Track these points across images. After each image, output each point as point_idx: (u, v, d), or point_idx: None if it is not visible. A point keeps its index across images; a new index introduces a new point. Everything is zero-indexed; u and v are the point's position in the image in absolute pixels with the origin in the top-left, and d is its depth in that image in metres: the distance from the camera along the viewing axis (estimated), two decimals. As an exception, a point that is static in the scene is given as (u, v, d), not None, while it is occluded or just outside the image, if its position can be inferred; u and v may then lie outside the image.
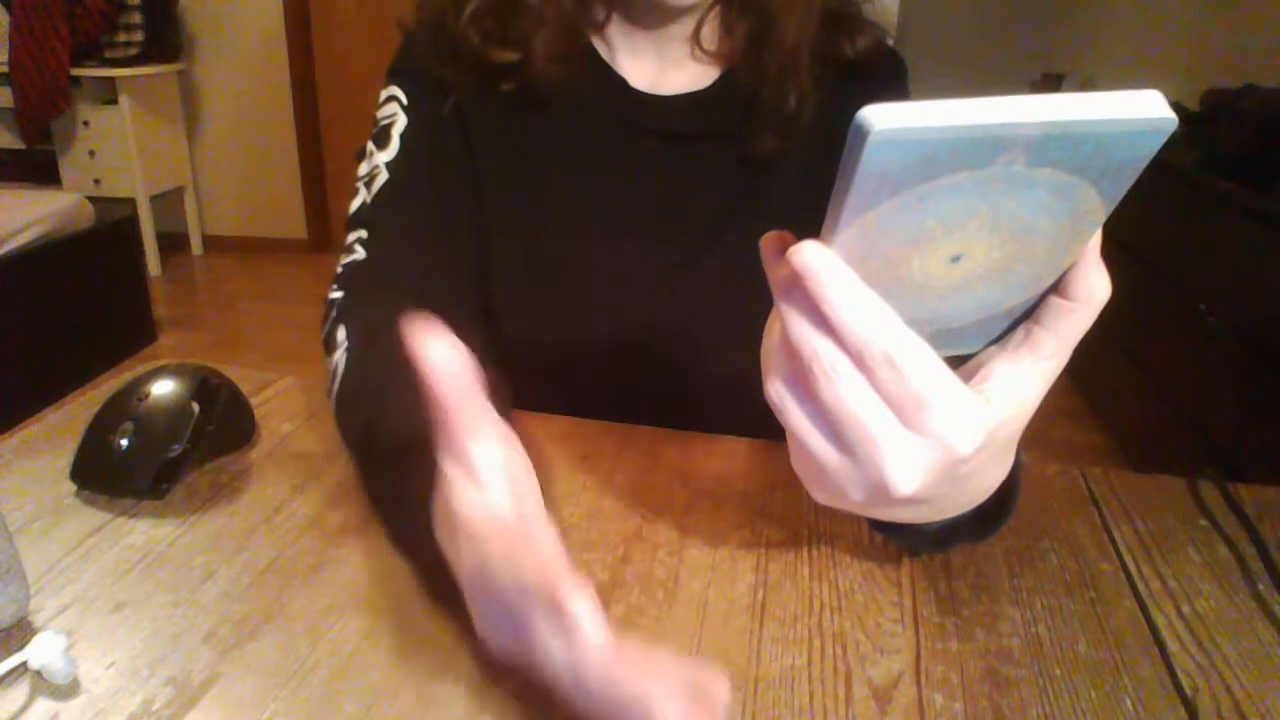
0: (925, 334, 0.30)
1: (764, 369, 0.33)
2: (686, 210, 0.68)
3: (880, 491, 0.31)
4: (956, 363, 0.34)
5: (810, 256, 0.28)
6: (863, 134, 0.24)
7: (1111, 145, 0.26)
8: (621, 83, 0.67)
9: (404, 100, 0.66)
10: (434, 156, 0.66)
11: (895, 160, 0.25)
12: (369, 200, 0.64)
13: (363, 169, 0.66)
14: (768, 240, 0.31)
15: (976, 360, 0.34)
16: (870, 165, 0.24)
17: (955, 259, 0.29)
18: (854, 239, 0.28)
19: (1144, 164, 0.27)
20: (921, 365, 0.29)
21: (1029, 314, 0.33)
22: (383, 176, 0.64)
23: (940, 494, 0.32)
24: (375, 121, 0.67)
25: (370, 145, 0.66)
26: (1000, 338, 0.34)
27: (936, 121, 0.24)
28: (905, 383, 0.29)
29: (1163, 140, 0.26)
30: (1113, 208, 0.28)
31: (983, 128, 0.24)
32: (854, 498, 0.32)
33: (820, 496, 0.34)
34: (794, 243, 0.30)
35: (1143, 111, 0.25)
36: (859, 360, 0.29)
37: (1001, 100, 0.24)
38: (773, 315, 0.33)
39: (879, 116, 0.24)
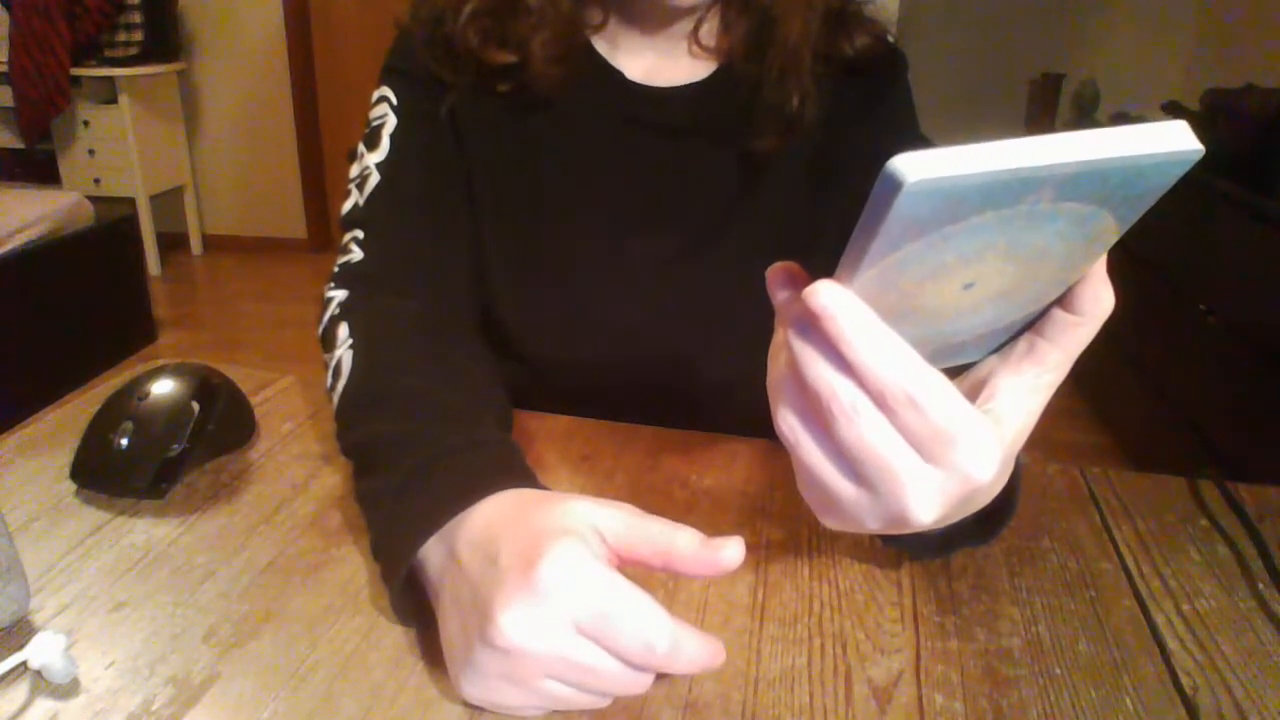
0: (927, 351, 0.29)
1: (772, 400, 0.32)
2: (685, 205, 0.68)
3: (899, 522, 0.31)
4: (955, 372, 0.34)
5: (828, 298, 0.28)
6: (895, 185, 0.23)
7: (1137, 177, 0.25)
8: (617, 75, 0.66)
9: (394, 100, 0.66)
10: (426, 155, 0.66)
11: (924, 208, 0.24)
12: (361, 202, 0.64)
13: (354, 170, 0.66)
14: (774, 272, 0.31)
15: (977, 371, 0.34)
16: (899, 214, 0.24)
17: (968, 286, 0.29)
18: (873, 279, 0.27)
19: (1165, 190, 0.26)
20: (943, 402, 0.29)
21: (1029, 325, 0.33)
22: (374, 178, 0.64)
23: (953, 515, 0.33)
24: (367, 122, 0.67)
25: (361, 146, 0.66)
26: (1000, 348, 0.34)
27: (968, 169, 0.23)
28: (928, 421, 0.29)
29: (1186, 169, 0.25)
30: (1126, 229, 0.28)
31: (1013, 172, 0.24)
32: (870, 527, 0.32)
33: (831, 524, 0.34)
34: (800, 273, 0.30)
35: (1172, 145, 0.25)
36: (880, 400, 0.29)
37: (1030, 142, 0.24)
38: (776, 344, 0.33)
39: (911, 168, 0.23)
